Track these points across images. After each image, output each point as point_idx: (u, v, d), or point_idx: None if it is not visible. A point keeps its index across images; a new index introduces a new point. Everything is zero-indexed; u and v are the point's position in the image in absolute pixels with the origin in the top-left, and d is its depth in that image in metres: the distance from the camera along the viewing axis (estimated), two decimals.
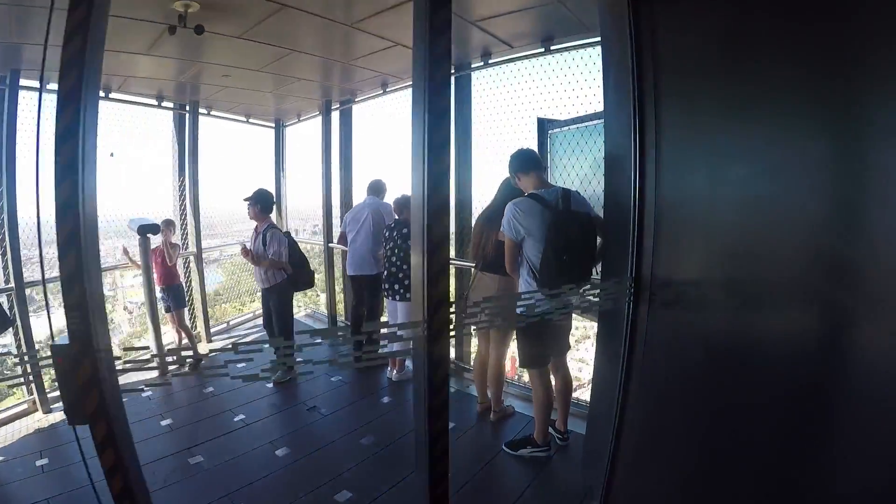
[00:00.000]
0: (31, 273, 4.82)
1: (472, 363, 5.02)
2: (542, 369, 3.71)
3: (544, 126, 4.61)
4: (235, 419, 4.54)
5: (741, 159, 2.16)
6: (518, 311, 2.53)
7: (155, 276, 5.74)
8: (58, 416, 5.44)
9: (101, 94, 5.34)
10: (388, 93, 6.17)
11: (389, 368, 5.39)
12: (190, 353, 5.24)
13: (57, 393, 4.91)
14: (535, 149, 4.37)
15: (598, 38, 3.07)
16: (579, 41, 4.25)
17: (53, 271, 2.85)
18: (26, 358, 2.09)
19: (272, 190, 6.30)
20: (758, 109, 2.07)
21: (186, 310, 6.46)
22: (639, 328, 2.65)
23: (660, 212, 2.52)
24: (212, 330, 7.13)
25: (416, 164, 1.91)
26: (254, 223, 5.43)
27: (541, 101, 4.67)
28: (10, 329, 4.62)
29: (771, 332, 2.12)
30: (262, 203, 5.34)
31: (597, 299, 2.67)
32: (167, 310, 6.01)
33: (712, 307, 2.37)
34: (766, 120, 2.05)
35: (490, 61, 4.90)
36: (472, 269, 4.37)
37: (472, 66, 5.09)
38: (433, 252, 1.89)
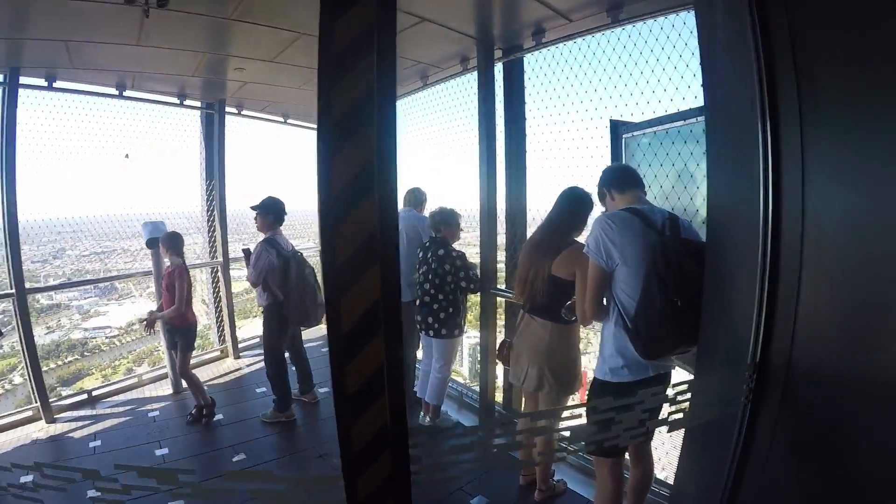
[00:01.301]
0: None
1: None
2: (617, 459, 2.69)
3: (618, 129, 3.75)
4: (234, 459, 4.06)
5: None
6: (601, 376, 2.17)
7: (163, 305, 4.86)
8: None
9: (115, 91, 5.05)
10: (428, 86, 5.42)
11: (422, 413, 4.55)
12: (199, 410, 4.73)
13: (61, 402, 4.97)
14: (609, 156, 3.69)
15: None
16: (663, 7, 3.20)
17: None
18: None
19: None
20: None
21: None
22: (760, 433, 1.81)
23: (808, 255, 1.63)
24: (239, 346, 6.65)
25: None
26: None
27: (610, 89, 3.72)
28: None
29: None
30: (274, 213, 4.72)
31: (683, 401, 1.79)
32: (171, 347, 5.10)
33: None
34: None
35: (544, 40, 3.95)
36: (520, 311, 3.39)
37: (524, 46, 4.19)
38: None
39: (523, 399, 3.66)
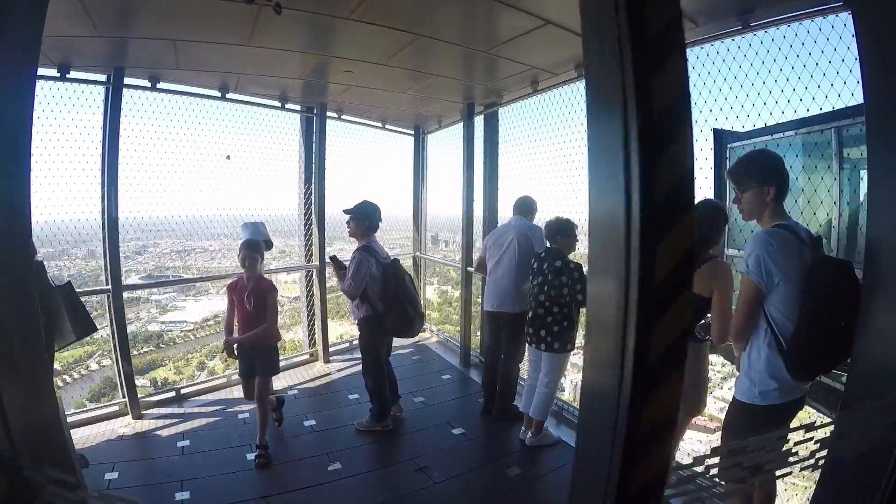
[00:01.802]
0: None
1: None
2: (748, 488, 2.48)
3: (722, 139, 3.73)
4: (329, 468, 3.91)
5: None
6: (748, 399, 2.17)
7: (237, 325, 4.20)
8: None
9: (217, 93, 5.05)
10: (539, 91, 5.17)
11: (524, 428, 4.36)
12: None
13: (150, 398, 5.02)
14: (713, 165, 3.68)
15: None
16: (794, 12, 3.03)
17: None
18: None
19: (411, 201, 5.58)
20: None
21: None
22: None
23: None
24: (330, 350, 6.55)
25: None
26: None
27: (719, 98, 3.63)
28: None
29: None
30: (370, 218, 4.48)
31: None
32: (248, 373, 4.19)
33: None
34: None
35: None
36: None
37: None
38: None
39: None
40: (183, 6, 3.25)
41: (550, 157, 5.27)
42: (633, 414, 1.15)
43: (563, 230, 4.12)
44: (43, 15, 1.46)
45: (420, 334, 5.94)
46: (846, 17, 2.77)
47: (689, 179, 1.12)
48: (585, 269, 4.11)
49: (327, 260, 4.92)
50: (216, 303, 11.23)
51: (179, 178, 5.25)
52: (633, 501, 1.20)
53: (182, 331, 10.94)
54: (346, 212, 4.52)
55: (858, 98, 2.68)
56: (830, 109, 3.01)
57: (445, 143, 7.36)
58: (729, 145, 3.76)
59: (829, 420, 2.04)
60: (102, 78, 4.44)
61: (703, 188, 3.77)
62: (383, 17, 3.52)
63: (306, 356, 6.44)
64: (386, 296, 4.36)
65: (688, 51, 3.24)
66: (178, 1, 3.17)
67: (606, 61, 1.19)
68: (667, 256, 1.11)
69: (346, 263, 4.52)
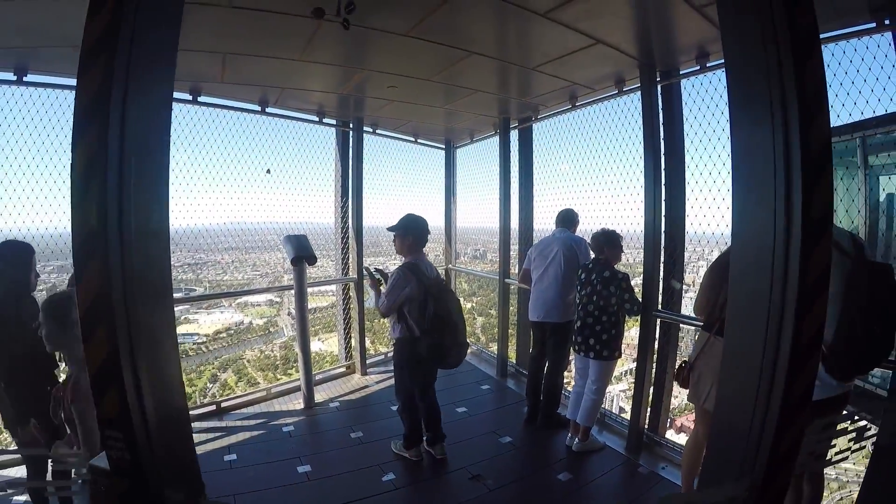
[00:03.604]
0: None
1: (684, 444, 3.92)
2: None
3: None
4: (384, 479, 3.94)
5: None
6: None
7: None
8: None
9: (257, 107, 5.19)
10: (577, 107, 5.27)
11: (570, 434, 4.45)
12: None
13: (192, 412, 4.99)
14: None
15: None
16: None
17: None
18: None
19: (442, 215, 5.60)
20: None
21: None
22: None
23: None
24: (367, 361, 6.59)
25: None
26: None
27: None
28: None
29: None
30: (414, 233, 4.14)
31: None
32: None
33: None
34: None
35: (709, 64, 3.87)
36: (700, 331, 3.29)
37: (682, 71, 4.17)
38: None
39: (695, 419, 3.54)
40: (242, 20, 3.27)
41: (587, 170, 5.36)
42: (788, 385, 1.45)
43: (610, 241, 4.22)
44: (176, 45, 1.59)
45: None
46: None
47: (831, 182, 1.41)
48: (633, 279, 4.22)
49: (364, 272, 4.71)
50: (228, 315, 11.32)
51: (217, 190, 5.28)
52: (781, 461, 1.48)
53: (195, 343, 11.00)
54: (389, 229, 4.24)
55: (880, 110, 3.00)
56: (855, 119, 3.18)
57: (475, 158, 7.48)
58: None
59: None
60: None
61: None
62: (440, 35, 3.60)
63: (342, 369, 6.48)
64: (423, 319, 3.97)
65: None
66: (239, 15, 3.18)
67: (756, 59, 1.39)
68: (815, 258, 1.41)
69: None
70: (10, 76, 3.92)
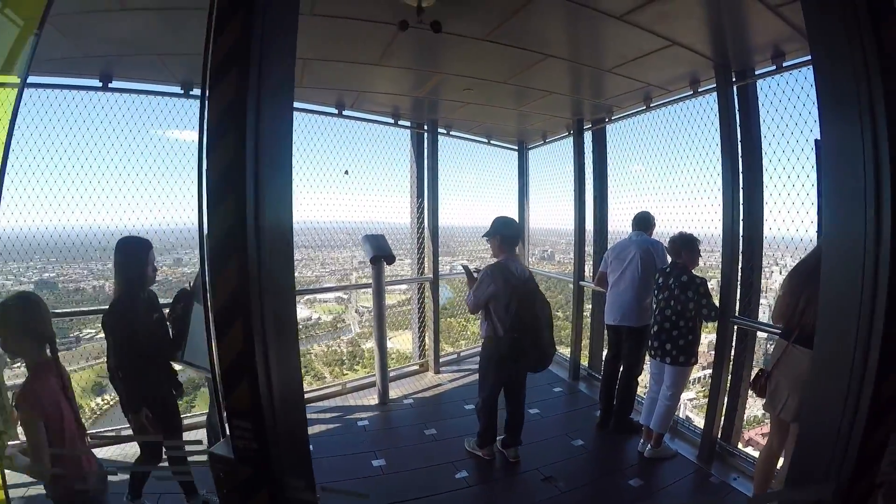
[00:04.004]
0: None
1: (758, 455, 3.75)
2: None
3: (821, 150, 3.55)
4: (456, 476, 3.99)
5: None
6: None
7: None
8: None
9: (334, 110, 5.39)
10: (651, 108, 5.18)
11: (642, 440, 4.40)
12: None
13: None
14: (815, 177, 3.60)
15: None
16: None
17: None
18: None
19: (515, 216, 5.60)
20: None
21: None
22: None
23: None
24: (440, 360, 6.66)
25: None
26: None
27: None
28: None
29: None
30: (501, 234, 4.14)
31: None
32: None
33: None
34: None
35: (785, 63, 3.76)
36: (777, 339, 3.25)
37: (757, 71, 4.04)
38: None
39: (770, 429, 3.43)
40: (322, 26, 3.34)
41: (662, 171, 5.29)
42: (877, 387, 1.47)
43: (688, 245, 4.15)
44: (294, 52, 1.70)
45: None
46: None
47: None
48: (710, 283, 4.13)
49: (462, 269, 4.77)
50: (297, 311, 11.64)
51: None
52: (868, 464, 1.51)
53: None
54: (483, 237, 4.30)
55: None
56: None
57: (548, 159, 7.45)
58: None
59: None
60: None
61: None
62: (517, 39, 3.63)
63: (416, 367, 6.58)
64: (506, 319, 3.96)
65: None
66: (320, 21, 3.26)
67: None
68: None
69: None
70: (96, 82, 4.15)
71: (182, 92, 4.45)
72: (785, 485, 1.73)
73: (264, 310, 1.50)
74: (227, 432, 1.57)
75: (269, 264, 1.51)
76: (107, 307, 3.14)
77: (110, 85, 4.19)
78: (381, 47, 3.77)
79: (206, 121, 1.49)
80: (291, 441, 1.67)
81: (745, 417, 4.48)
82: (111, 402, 5.83)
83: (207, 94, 1.53)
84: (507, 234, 4.16)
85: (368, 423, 4.88)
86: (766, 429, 5.69)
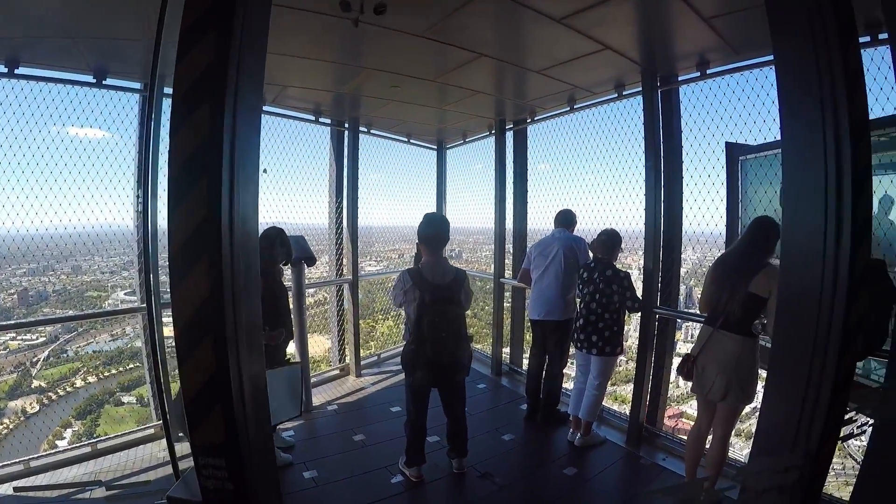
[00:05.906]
0: None
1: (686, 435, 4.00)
2: None
3: (733, 152, 4.06)
4: (392, 480, 3.92)
5: None
6: None
7: None
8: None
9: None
10: (575, 110, 5.36)
11: (572, 430, 4.55)
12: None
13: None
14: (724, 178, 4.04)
15: None
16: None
17: None
18: None
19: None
20: None
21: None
22: None
23: None
24: (362, 363, 6.51)
25: None
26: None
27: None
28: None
29: None
30: (422, 235, 3.78)
31: None
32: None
33: None
34: None
35: (709, 71, 4.01)
36: (703, 326, 3.48)
37: (681, 77, 4.29)
38: None
39: (697, 411, 3.70)
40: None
41: (581, 171, 5.52)
42: (839, 365, 1.55)
43: (612, 241, 4.34)
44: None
45: None
46: None
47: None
48: (633, 276, 4.33)
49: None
50: None
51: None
52: (832, 430, 1.60)
53: (169, 347, 10.68)
54: None
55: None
56: None
57: (467, 159, 7.54)
58: (740, 158, 4.04)
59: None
60: (138, 86, 4.31)
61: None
62: (453, 37, 3.61)
63: (336, 371, 6.39)
64: (412, 326, 3.67)
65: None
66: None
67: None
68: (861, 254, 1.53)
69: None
70: (2, 68, 3.73)
71: (94, 81, 4.08)
72: (750, 455, 1.83)
73: (237, 323, 1.32)
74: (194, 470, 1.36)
75: (241, 268, 1.34)
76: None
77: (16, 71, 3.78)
78: (313, 39, 3.62)
79: (172, 114, 1.33)
80: (266, 478, 1.48)
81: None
82: None
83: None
84: (424, 235, 3.75)
85: (294, 434, 4.64)
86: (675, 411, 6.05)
